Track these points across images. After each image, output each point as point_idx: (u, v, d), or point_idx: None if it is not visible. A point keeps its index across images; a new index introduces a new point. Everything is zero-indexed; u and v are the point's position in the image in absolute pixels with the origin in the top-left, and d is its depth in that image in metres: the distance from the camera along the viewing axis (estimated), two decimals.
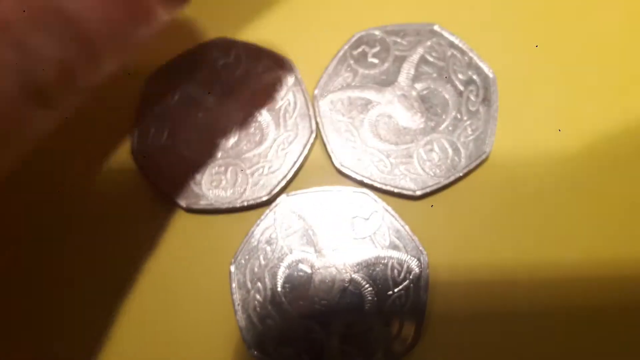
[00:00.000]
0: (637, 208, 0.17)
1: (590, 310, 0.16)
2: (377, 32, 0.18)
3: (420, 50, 0.18)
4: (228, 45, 0.18)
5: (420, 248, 0.16)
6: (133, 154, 0.17)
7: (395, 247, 0.16)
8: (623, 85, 0.18)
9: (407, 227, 0.16)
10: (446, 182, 0.17)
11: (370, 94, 0.17)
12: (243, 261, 0.16)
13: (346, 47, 0.18)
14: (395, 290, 0.16)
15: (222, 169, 0.17)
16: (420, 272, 0.16)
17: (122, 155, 0.17)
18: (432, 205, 0.17)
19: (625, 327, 0.16)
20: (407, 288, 0.16)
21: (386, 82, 0.17)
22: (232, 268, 0.16)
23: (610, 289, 0.16)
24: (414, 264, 0.16)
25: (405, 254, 0.16)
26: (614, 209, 0.17)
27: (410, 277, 0.16)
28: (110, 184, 0.17)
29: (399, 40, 0.18)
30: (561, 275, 0.16)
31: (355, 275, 0.16)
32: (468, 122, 0.17)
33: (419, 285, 0.16)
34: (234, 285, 0.16)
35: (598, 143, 0.17)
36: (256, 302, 0.16)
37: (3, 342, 0.16)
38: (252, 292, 0.16)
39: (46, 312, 0.16)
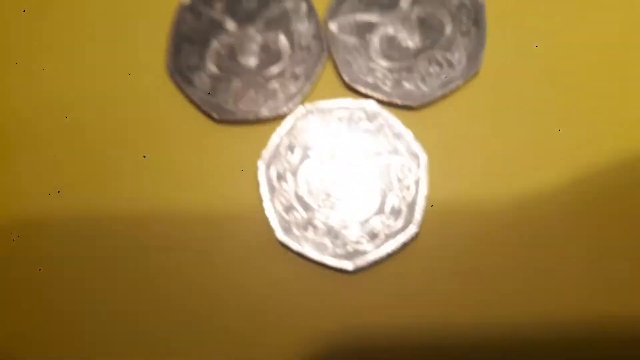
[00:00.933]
0: None
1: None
2: None
3: None
4: None
5: (420, 150, 0.18)
6: (168, 71, 0.19)
7: (398, 149, 0.19)
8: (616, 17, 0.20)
9: (409, 131, 0.19)
10: (442, 93, 0.19)
11: (374, 17, 0.20)
12: (268, 162, 0.18)
13: None
14: (399, 185, 0.18)
15: (247, 85, 0.19)
16: (419, 170, 0.18)
17: (159, 73, 0.19)
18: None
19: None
20: (407, 185, 0.18)
21: (388, 5, 0.20)
22: (260, 168, 0.18)
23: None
24: (414, 164, 0.18)
25: (408, 156, 0.18)
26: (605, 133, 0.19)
27: (412, 174, 0.18)
28: (148, 99, 0.19)
29: None
30: (548, 178, 0.19)
31: (363, 173, 0.18)
32: (461, 40, 0.19)
33: (419, 181, 0.18)
34: (262, 182, 0.18)
35: (584, 59, 0.20)
36: (282, 196, 0.18)
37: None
38: (277, 188, 0.18)
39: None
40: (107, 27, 0.20)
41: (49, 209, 0.19)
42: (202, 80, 0.19)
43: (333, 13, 0.20)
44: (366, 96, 0.19)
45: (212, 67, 0.19)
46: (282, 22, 0.20)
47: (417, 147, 0.19)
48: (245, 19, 0.20)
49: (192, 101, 0.19)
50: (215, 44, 0.20)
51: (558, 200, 0.18)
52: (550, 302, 0.18)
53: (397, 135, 0.19)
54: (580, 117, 0.19)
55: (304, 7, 0.20)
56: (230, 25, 0.20)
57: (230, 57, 0.19)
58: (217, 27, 0.20)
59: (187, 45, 0.19)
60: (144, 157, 0.19)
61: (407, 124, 0.19)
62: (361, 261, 0.18)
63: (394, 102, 0.19)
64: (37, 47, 0.20)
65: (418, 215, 0.18)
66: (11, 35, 0.20)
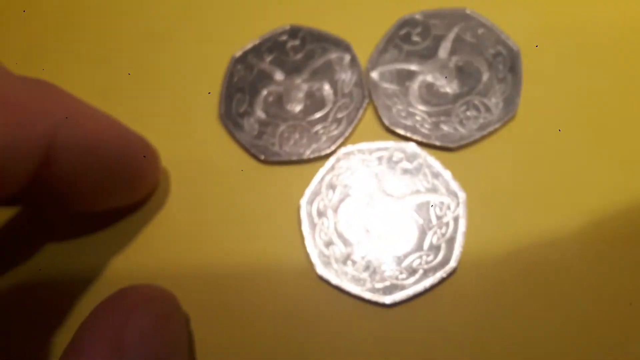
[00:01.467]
0: None
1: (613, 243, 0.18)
2: (418, 16, 0.21)
3: (455, 30, 0.21)
4: (295, 31, 0.22)
5: (459, 189, 0.19)
6: (220, 117, 0.21)
7: (436, 188, 0.19)
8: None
9: (447, 171, 0.19)
10: (480, 135, 0.20)
11: (413, 66, 0.21)
12: (310, 200, 0.19)
13: (393, 28, 0.21)
14: (438, 222, 0.19)
15: (292, 129, 0.20)
16: (458, 208, 0.19)
17: (212, 119, 0.21)
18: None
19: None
20: (447, 222, 0.19)
21: (427, 56, 0.21)
22: (302, 205, 0.19)
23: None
24: (453, 202, 0.19)
25: (446, 194, 0.19)
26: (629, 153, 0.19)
27: (450, 212, 0.19)
28: (202, 143, 0.21)
29: (437, 22, 0.21)
30: (583, 218, 0.19)
31: (403, 211, 0.19)
32: (498, 87, 0.20)
33: (458, 219, 0.19)
34: (303, 218, 0.19)
35: (614, 109, 0.20)
36: (322, 232, 0.19)
37: None
38: (318, 224, 0.19)
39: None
40: (166, 75, 0.22)
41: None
42: (250, 125, 0.21)
43: (375, 63, 0.21)
44: (405, 138, 0.20)
45: (260, 114, 0.21)
46: (327, 72, 0.21)
47: (455, 186, 0.19)
48: (292, 70, 0.21)
49: (240, 144, 0.20)
50: (264, 93, 0.21)
51: (593, 240, 0.18)
52: (586, 337, 0.17)
53: (436, 175, 0.19)
54: (613, 160, 0.19)
55: (347, 58, 0.21)
56: (279, 75, 0.21)
57: (278, 104, 0.21)
58: (266, 78, 0.21)
59: (238, 93, 0.21)
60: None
61: (446, 165, 0.19)
62: (399, 296, 0.18)
63: (432, 144, 0.20)
64: (101, 96, 0.22)
65: (457, 251, 0.18)
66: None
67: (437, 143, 0.20)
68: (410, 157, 0.20)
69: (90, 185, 0.17)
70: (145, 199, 0.20)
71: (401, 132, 0.20)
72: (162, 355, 0.14)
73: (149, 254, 0.19)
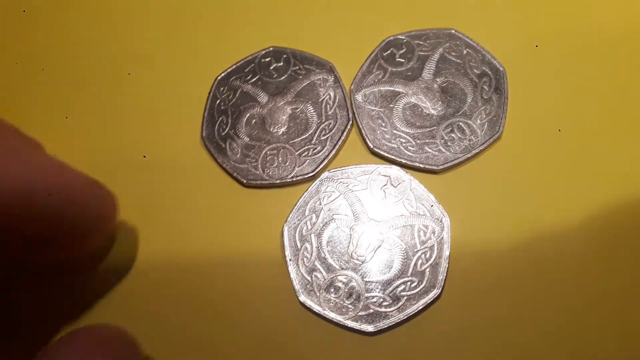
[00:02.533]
0: None
1: (595, 263, 0.18)
2: (403, 37, 0.21)
3: (440, 50, 0.21)
4: (279, 52, 0.21)
5: (443, 213, 0.19)
6: (202, 139, 0.21)
7: (421, 211, 0.19)
8: (620, 78, 0.20)
9: (431, 195, 0.19)
10: (464, 157, 0.19)
11: (398, 87, 0.21)
12: (293, 224, 0.19)
13: (377, 49, 0.21)
14: (422, 247, 0.18)
15: (275, 151, 0.20)
16: (443, 232, 0.18)
17: (194, 142, 0.21)
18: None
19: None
20: (431, 246, 0.18)
21: (411, 77, 0.21)
22: (285, 230, 0.19)
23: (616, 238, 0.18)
24: (437, 226, 0.18)
25: (430, 218, 0.19)
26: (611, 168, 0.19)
27: (434, 236, 0.18)
28: (184, 166, 0.21)
29: (421, 42, 0.21)
30: (566, 235, 0.18)
31: (387, 236, 0.19)
32: (482, 108, 0.20)
33: (442, 243, 0.18)
34: (286, 244, 0.19)
35: (599, 125, 0.20)
36: (305, 258, 0.19)
37: None
38: (301, 250, 0.19)
39: None
40: (149, 97, 0.22)
41: None
42: (233, 148, 0.20)
43: (359, 84, 0.21)
44: (390, 161, 0.20)
45: (243, 136, 0.20)
46: (311, 94, 0.21)
47: (439, 210, 0.19)
48: (276, 91, 0.21)
49: (223, 168, 0.20)
50: (247, 115, 0.21)
51: (580, 260, 0.18)
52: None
53: (420, 199, 0.19)
54: (598, 179, 0.19)
55: (331, 79, 0.21)
56: (262, 97, 0.21)
57: (261, 126, 0.21)
58: (249, 100, 0.21)
59: (222, 116, 0.21)
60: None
61: (430, 187, 0.19)
62: (382, 323, 0.17)
63: (416, 166, 0.19)
64: (83, 118, 0.22)
65: (441, 276, 0.18)
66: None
67: (422, 166, 0.19)
68: (394, 181, 0.19)
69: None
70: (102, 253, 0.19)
71: (385, 154, 0.20)
72: None
73: (124, 284, 0.19)
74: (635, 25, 0.21)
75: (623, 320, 0.17)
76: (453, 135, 0.20)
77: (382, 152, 0.20)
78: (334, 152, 0.20)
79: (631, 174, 0.19)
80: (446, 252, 0.18)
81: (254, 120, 0.21)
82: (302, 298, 0.18)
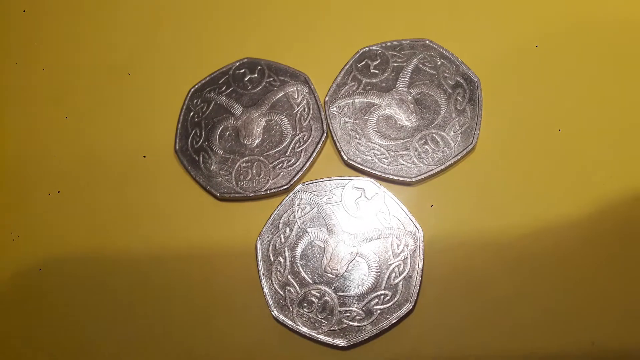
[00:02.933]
0: None
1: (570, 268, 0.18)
2: (377, 48, 0.21)
3: (414, 61, 0.21)
4: (254, 64, 0.21)
5: (417, 225, 0.19)
6: (175, 152, 0.20)
7: (394, 224, 0.19)
8: (599, 84, 0.20)
9: (404, 208, 0.19)
10: (438, 169, 0.19)
11: (372, 99, 0.21)
12: (267, 238, 0.19)
13: (351, 61, 0.21)
14: (395, 260, 0.18)
15: (249, 164, 0.20)
16: (416, 245, 0.18)
17: (167, 153, 0.21)
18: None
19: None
20: (404, 259, 0.18)
21: (386, 88, 0.21)
22: (258, 244, 0.19)
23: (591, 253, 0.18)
24: (410, 239, 0.18)
25: (404, 230, 0.19)
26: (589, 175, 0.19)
27: (408, 249, 0.18)
28: (157, 176, 0.20)
29: (396, 53, 0.21)
30: (542, 245, 0.18)
31: (361, 249, 0.18)
32: (456, 119, 0.20)
33: (415, 256, 0.18)
34: (259, 258, 0.19)
35: (572, 133, 0.20)
36: (278, 272, 0.18)
37: None
38: (274, 264, 0.19)
39: None
40: (123, 109, 0.21)
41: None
42: (206, 161, 0.20)
43: (333, 96, 0.21)
44: (364, 172, 0.20)
45: (217, 149, 0.20)
46: (285, 106, 0.21)
47: (413, 223, 0.19)
48: (250, 103, 0.21)
49: (196, 181, 0.20)
50: (220, 127, 0.21)
51: (557, 271, 0.18)
52: None
53: (394, 211, 0.19)
54: (576, 189, 0.19)
55: (305, 91, 0.21)
56: (236, 109, 0.21)
57: (235, 139, 0.21)
58: (223, 111, 0.21)
59: (195, 128, 0.21)
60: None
61: (404, 199, 0.19)
62: (356, 338, 0.17)
63: (390, 178, 0.19)
64: (59, 127, 0.22)
65: (415, 289, 0.18)
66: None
67: (395, 178, 0.19)
68: (368, 194, 0.19)
69: None
70: None
71: (360, 166, 0.20)
72: None
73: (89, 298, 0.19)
74: (610, 33, 0.21)
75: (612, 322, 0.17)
76: (427, 147, 0.20)
77: (356, 164, 0.20)
78: (308, 164, 0.20)
79: (612, 179, 0.19)
80: (419, 265, 0.18)
81: (227, 133, 0.21)
82: (275, 313, 0.18)
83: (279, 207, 0.19)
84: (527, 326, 0.18)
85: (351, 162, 0.20)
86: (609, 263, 0.18)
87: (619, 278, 0.18)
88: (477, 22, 0.21)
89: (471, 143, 0.20)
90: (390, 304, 0.18)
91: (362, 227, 0.19)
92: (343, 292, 0.18)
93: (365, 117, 0.20)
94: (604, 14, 0.21)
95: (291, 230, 0.19)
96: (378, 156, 0.20)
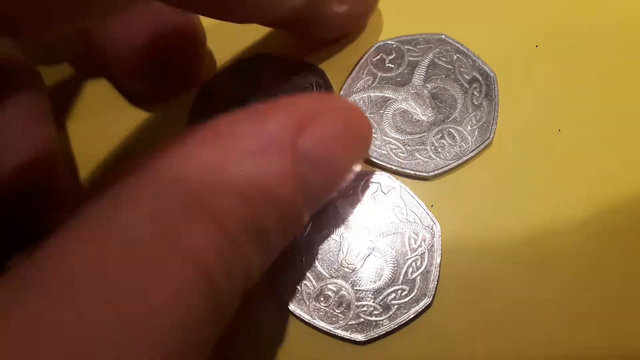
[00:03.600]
0: None
1: (586, 268, 0.18)
2: (392, 42, 0.21)
3: (430, 56, 0.21)
4: (270, 58, 0.21)
5: (434, 219, 0.18)
6: None
7: (411, 219, 0.19)
8: (615, 80, 0.20)
9: (421, 202, 0.19)
10: (455, 164, 0.19)
11: (387, 93, 0.20)
12: None
13: (366, 55, 0.21)
14: (413, 255, 0.18)
15: None
16: (434, 240, 0.18)
17: None
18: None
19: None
20: (421, 254, 0.18)
21: (401, 83, 0.21)
22: None
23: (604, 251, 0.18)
24: (427, 233, 0.18)
25: (421, 225, 0.18)
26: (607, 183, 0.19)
27: (425, 244, 0.18)
28: None
29: (411, 48, 0.21)
30: (559, 240, 0.18)
31: (377, 243, 0.18)
32: (473, 114, 0.20)
33: (433, 251, 0.18)
34: None
35: (590, 129, 0.20)
36: (295, 267, 0.18)
37: None
38: (290, 259, 0.18)
39: None
40: None
41: None
42: None
43: (348, 90, 0.21)
44: (380, 167, 0.20)
45: None
46: None
47: (430, 217, 0.18)
48: (266, 96, 0.21)
49: None
50: None
51: (574, 272, 0.18)
52: None
53: (410, 206, 0.19)
54: (592, 184, 0.19)
55: (321, 84, 0.21)
56: (253, 102, 0.21)
57: None
58: (238, 104, 0.21)
59: None
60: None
61: (421, 194, 0.19)
62: (373, 333, 0.17)
63: (407, 173, 0.19)
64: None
65: (432, 284, 0.18)
66: None
67: (412, 172, 0.19)
68: (385, 188, 0.19)
69: None
70: None
71: (376, 160, 0.20)
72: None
73: None
74: (628, 27, 0.21)
75: (618, 324, 0.17)
76: (443, 141, 0.20)
77: (372, 159, 0.20)
78: None
79: (628, 175, 0.19)
80: (437, 260, 0.18)
81: None
82: (292, 307, 0.18)
83: None
84: (545, 326, 0.17)
85: (367, 157, 0.20)
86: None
87: None
88: (492, 17, 0.21)
89: (488, 138, 0.19)
90: (407, 298, 0.18)
91: (378, 221, 0.19)
92: (360, 286, 0.18)
93: (381, 112, 0.20)
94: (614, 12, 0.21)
95: (308, 225, 0.19)
96: (394, 150, 0.20)
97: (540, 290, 0.18)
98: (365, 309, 0.18)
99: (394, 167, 0.19)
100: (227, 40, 0.22)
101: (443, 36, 0.21)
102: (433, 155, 0.19)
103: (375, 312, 0.18)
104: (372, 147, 0.20)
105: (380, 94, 0.20)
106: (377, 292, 0.18)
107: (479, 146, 0.19)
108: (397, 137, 0.20)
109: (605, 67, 0.20)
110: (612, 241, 0.18)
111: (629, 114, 0.20)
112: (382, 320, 0.17)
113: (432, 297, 0.18)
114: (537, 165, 0.19)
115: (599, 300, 0.17)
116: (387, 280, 0.18)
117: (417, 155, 0.19)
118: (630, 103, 0.20)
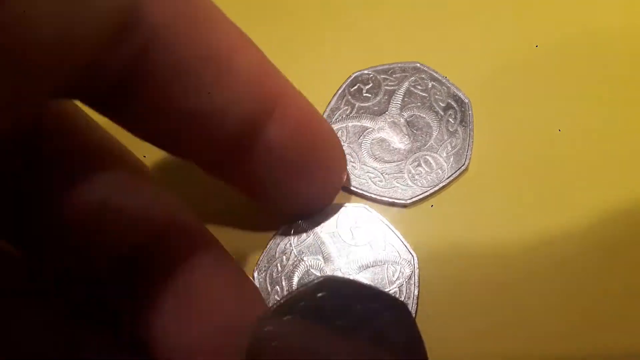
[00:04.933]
0: None
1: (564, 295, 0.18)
2: (369, 72, 0.21)
3: (406, 84, 0.21)
4: None
5: (411, 251, 0.19)
6: None
7: (389, 251, 0.19)
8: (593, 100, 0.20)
9: (398, 233, 0.19)
10: (432, 191, 0.19)
11: (365, 122, 0.21)
12: (263, 267, 0.19)
13: (344, 85, 0.21)
14: (391, 287, 0.18)
15: None
16: (412, 271, 0.18)
17: None
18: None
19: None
20: (400, 285, 0.18)
21: (378, 112, 0.21)
22: (255, 273, 0.19)
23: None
24: (405, 265, 0.19)
25: (398, 257, 0.19)
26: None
27: (403, 276, 0.18)
28: None
29: (388, 77, 0.21)
30: (538, 266, 0.18)
31: (357, 277, 0.19)
32: (448, 141, 0.20)
33: (411, 283, 0.18)
34: (256, 285, 0.19)
35: (567, 151, 0.20)
36: (275, 301, 0.19)
37: None
38: (271, 293, 0.19)
39: None
40: None
41: None
42: None
43: (327, 120, 0.21)
44: (359, 195, 0.20)
45: None
46: None
47: (407, 248, 0.19)
48: None
49: None
50: None
51: (554, 293, 0.18)
52: None
53: (388, 236, 0.19)
54: (565, 209, 0.19)
55: None
56: None
57: None
58: None
59: None
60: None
61: (399, 222, 0.19)
62: None
63: (385, 201, 0.20)
64: None
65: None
66: None
67: (390, 200, 0.20)
68: (362, 221, 0.19)
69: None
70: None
71: (355, 189, 0.20)
72: None
73: None
74: (601, 48, 0.21)
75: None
76: (420, 169, 0.20)
77: (351, 188, 0.20)
78: None
79: (604, 194, 0.19)
80: (415, 292, 0.18)
81: None
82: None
83: (275, 235, 0.19)
84: (527, 347, 0.18)
85: (346, 186, 0.20)
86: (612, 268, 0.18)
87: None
88: (465, 43, 0.21)
89: (463, 164, 0.20)
90: None
91: (357, 255, 0.19)
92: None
93: (359, 141, 0.20)
94: (600, 30, 0.21)
95: (287, 259, 0.19)
96: (373, 179, 0.20)
97: (521, 316, 0.18)
98: None
99: (372, 195, 0.20)
100: None
101: (418, 64, 0.21)
102: (410, 183, 0.20)
103: None
104: (352, 176, 0.20)
105: (359, 124, 0.21)
106: None
107: (454, 172, 0.20)
108: (376, 165, 0.20)
109: (583, 85, 0.20)
110: (589, 267, 0.18)
111: (608, 134, 0.20)
112: None
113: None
114: (513, 189, 0.19)
115: (585, 317, 0.18)
116: None
117: (395, 183, 0.20)
118: (611, 124, 0.20)
